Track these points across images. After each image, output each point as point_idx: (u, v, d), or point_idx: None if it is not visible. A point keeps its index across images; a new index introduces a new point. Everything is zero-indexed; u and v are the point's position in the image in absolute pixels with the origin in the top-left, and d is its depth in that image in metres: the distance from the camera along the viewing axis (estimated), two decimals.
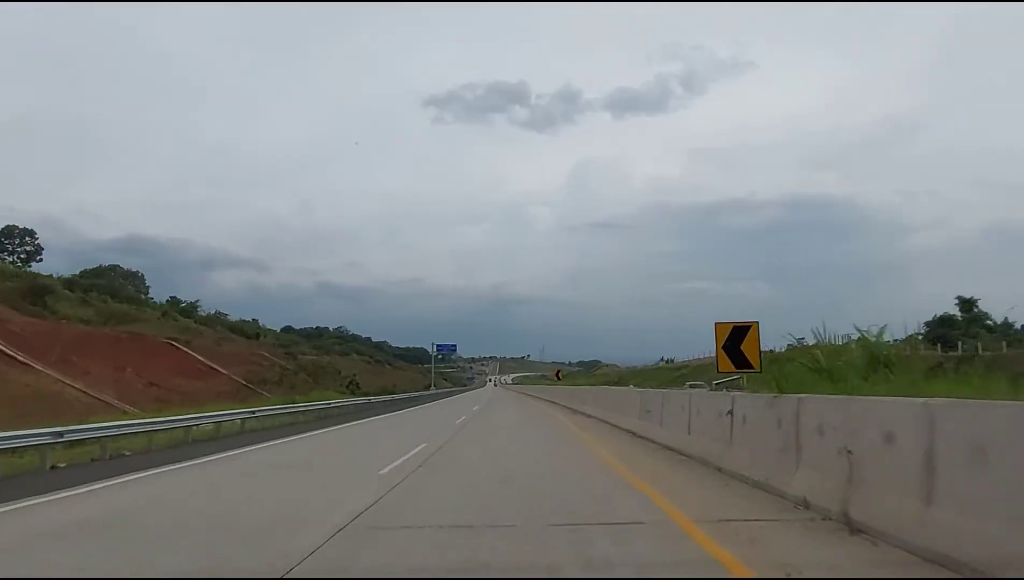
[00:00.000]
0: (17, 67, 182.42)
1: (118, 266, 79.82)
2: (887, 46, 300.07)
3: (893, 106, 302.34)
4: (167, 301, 61.31)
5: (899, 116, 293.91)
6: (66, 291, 47.21)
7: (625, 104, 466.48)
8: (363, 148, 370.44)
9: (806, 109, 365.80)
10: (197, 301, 66.98)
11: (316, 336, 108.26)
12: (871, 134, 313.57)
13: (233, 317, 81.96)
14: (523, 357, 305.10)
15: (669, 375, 67.01)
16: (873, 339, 8.37)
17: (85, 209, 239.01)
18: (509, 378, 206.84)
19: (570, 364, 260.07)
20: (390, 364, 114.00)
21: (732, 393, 10.04)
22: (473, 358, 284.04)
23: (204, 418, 16.55)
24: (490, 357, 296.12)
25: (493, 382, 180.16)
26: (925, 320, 52.10)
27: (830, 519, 5.43)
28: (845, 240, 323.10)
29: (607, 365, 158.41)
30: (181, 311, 56.21)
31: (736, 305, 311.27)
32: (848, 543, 4.85)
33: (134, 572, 4.68)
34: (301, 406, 23.92)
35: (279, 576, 4.34)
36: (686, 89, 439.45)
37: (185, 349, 43.61)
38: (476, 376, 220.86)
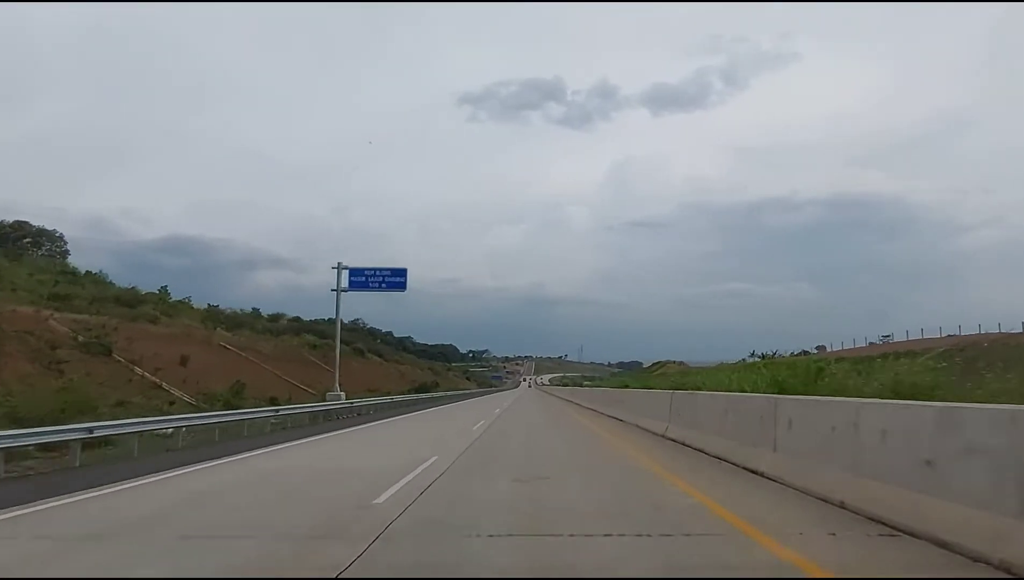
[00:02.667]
0: (67, 75, 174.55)
1: (27, 223, 70.08)
2: (937, 39, 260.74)
3: (943, 102, 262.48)
4: None
5: (950, 112, 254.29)
6: None
7: (663, 100, 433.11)
8: (399, 148, 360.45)
9: (851, 103, 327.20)
10: None
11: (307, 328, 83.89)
12: (920, 131, 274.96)
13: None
14: (560, 357, 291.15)
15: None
16: None
17: (131, 211, 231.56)
18: (546, 378, 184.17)
19: (609, 365, 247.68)
20: (382, 356, 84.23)
21: None
22: (507, 357, 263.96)
23: None
24: (525, 357, 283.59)
25: (528, 383, 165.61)
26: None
27: None
28: (891, 240, 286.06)
29: (671, 363, 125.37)
30: None
31: (777, 306, 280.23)
32: None
33: None
34: None
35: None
36: (727, 84, 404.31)
37: None
38: (508, 376, 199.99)
